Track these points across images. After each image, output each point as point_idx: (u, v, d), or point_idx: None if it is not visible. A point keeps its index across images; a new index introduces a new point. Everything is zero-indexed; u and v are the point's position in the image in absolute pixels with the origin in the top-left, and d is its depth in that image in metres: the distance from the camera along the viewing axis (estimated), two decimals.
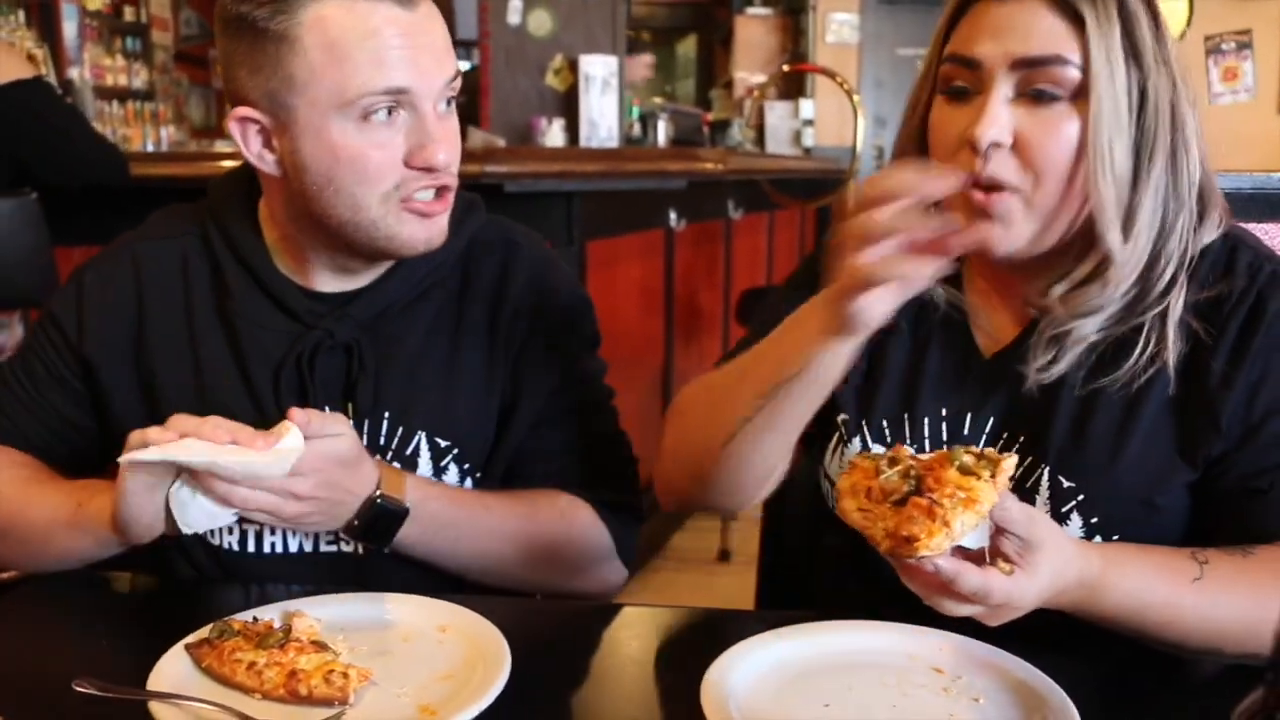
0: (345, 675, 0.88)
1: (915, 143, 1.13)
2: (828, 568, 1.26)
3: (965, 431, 1.13)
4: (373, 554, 1.19)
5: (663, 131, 4.31)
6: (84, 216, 2.57)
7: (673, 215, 3.70)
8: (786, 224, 5.84)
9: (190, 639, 0.94)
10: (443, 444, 1.23)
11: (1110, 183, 1.02)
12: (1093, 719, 0.84)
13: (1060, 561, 0.90)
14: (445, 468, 1.23)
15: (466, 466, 1.24)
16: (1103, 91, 1.00)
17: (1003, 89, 1.02)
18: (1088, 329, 1.06)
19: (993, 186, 1.03)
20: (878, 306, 0.91)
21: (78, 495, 1.12)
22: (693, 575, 3.48)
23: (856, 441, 1.16)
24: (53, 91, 2.80)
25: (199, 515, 1.02)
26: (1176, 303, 1.06)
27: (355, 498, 1.09)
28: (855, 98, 5.30)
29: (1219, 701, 0.94)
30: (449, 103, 1.15)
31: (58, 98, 2.82)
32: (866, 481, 0.87)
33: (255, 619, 0.97)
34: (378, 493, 1.10)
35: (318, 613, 1.01)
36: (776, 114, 6.95)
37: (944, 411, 1.14)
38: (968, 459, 0.85)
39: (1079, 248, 1.07)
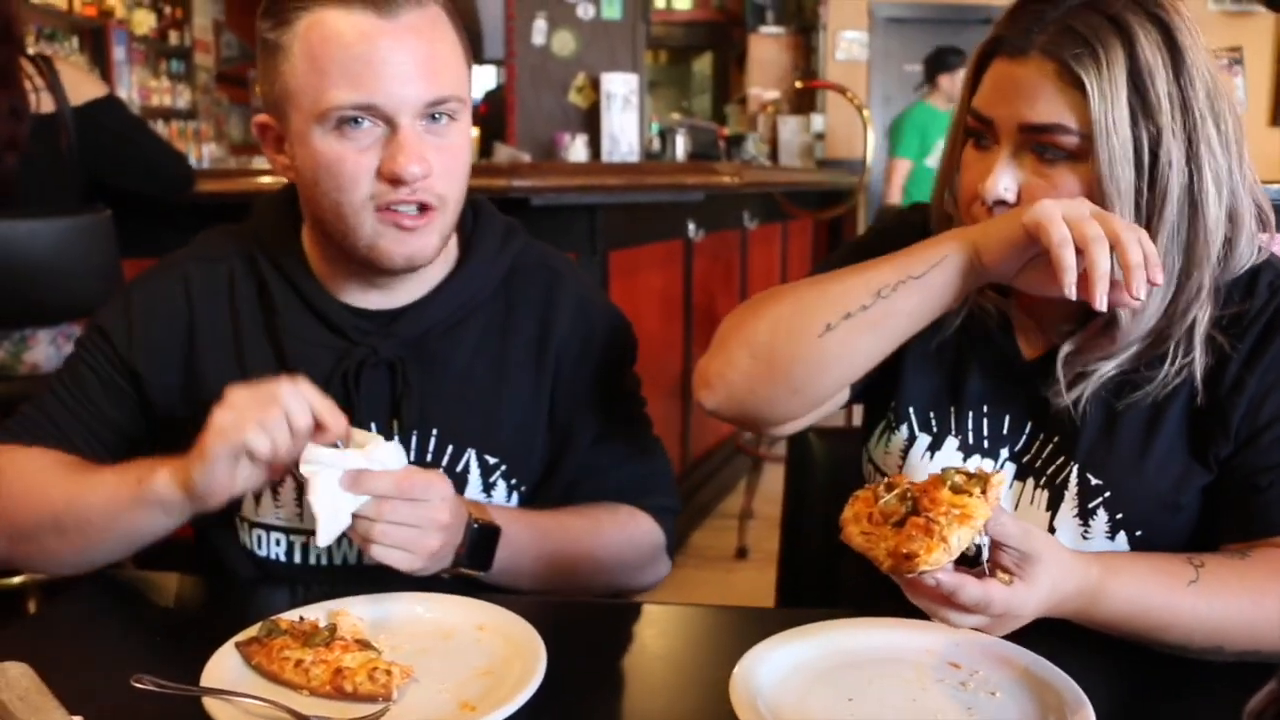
0: (388, 673, 0.92)
1: (950, 181, 1.17)
2: (849, 565, 1.29)
3: (1005, 430, 1.17)
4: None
5: (681, 146, 4.36)
6: (142, 231, 2.67)
7: (691, 226, 3.75)
8: (799, 234, 5.88)
9: (240, 637, 0.98)
10: (491, 461, 1.26)
11: None
12: (1105, 711, 0.87)
13: (1058, 572, 0.92)
14: (494, 484, 1.26)
15: (514, 482, 1.28)
16: (1101, 159, 1.01)
17: (1009, 149, 1.06)
18: (1106, 369, 1.09)
19: None
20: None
21: (136, 472, 1.12)
22: (711, 573, 3.51)
23: (904, 429, 1.20)
24: (125, 107, 2.88)
25: (338, 520, 1.05)
26: (1202, 319, 1.08)
27: (462, 524, 1.12)
28: (865, 112, 5.34)
29: (1230, 693, 0.96)
30: (438, 118, 1.13)
31: (130, 113, 2.89)
32: (868, 509, 0.91)
33: (301, 618, 1.01)
34: (472, 517, 1.13)
35: (360, 612, 1.05)
36: (789, 128, 7.00)
37: (985, 408, 1.18)
38: (959, 479, 0.88)
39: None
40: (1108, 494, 1.11)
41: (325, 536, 1.03)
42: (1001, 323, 1.19)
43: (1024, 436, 1.16)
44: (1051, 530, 1.13)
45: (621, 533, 1.30)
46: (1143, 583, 0.99)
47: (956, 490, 0.87)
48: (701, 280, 4.05)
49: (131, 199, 2.79)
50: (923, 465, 1.19)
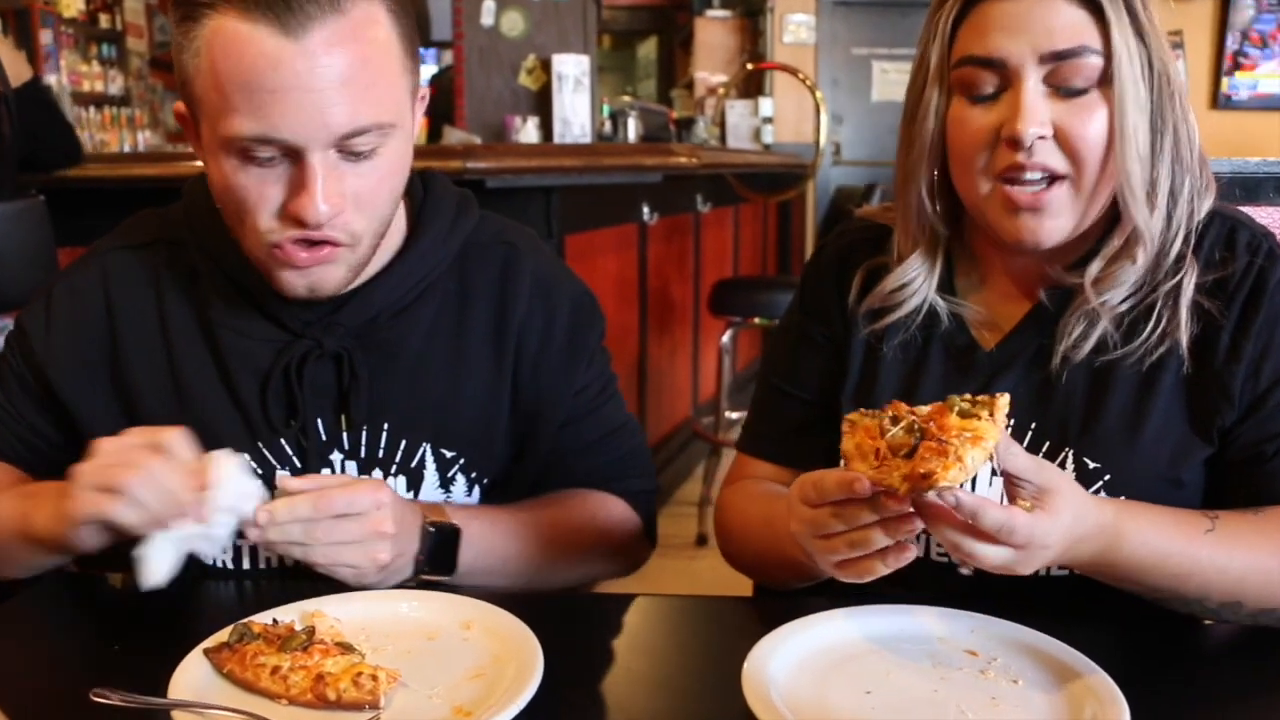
0: (374, 678, 0.85)
1: (932, 148, 1.12)
2: None
3: None
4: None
5: (633, 129, 4.31)
6: (82, 217, 2.59)
7: (646, 209, 3.70)
8: (751, 217, 5.87)
9: (208, 643, 0.91)
10: (448, 455, 1.19)
11: (1136, 160, 1.04)
12: (1129, 693, 0.83)
13: (1077, 505, 0.91)
14: (453, 478, 1.19)
15: (474, 475, 1.20)
16: (1125, 76, 1.02)
17: (1033, 82, 1.03)
18: (1115, 299, 1.08)
19: (1044, 179, 1.05)
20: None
21: (24, 506, 1.06)
22: (674, 560, 3.48)
23: None
24: (49, 88, 3.02)
25: (173, 566, 0.99)
26: (1189, 283, 1.07)
27: (415, 530, 1.06)
28: (818, 94, 5.33)
29: (1249, 672, 0.95)
30: (355, 151, 1.00)
31: (52, 92, 2.99)
32: (872, 442, 0.88)
33: (276, 621, 0.94)
34: (428, 520, 1.07)
35: (337, 612, 0.98)
36: (737, 112, 6.97)
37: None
38: (965, 405, 0.87)
39: (1104, 225, 1.10)
40: (1107, 476, 1.08)
41: (153, 579, 0.98)
42: (952, 322, 1.17)
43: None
44: None
45: (593, 522, 1.24)
46: (1159, 528, 0.99)
47: (964, 415, 0.86)
48: (656, 264, 4.01)
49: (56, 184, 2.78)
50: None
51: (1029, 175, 1.04)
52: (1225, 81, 7.41)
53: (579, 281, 1.30)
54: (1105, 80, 1.03)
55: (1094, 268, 1.09)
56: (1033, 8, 1.03)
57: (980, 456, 0.84)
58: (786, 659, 0.90)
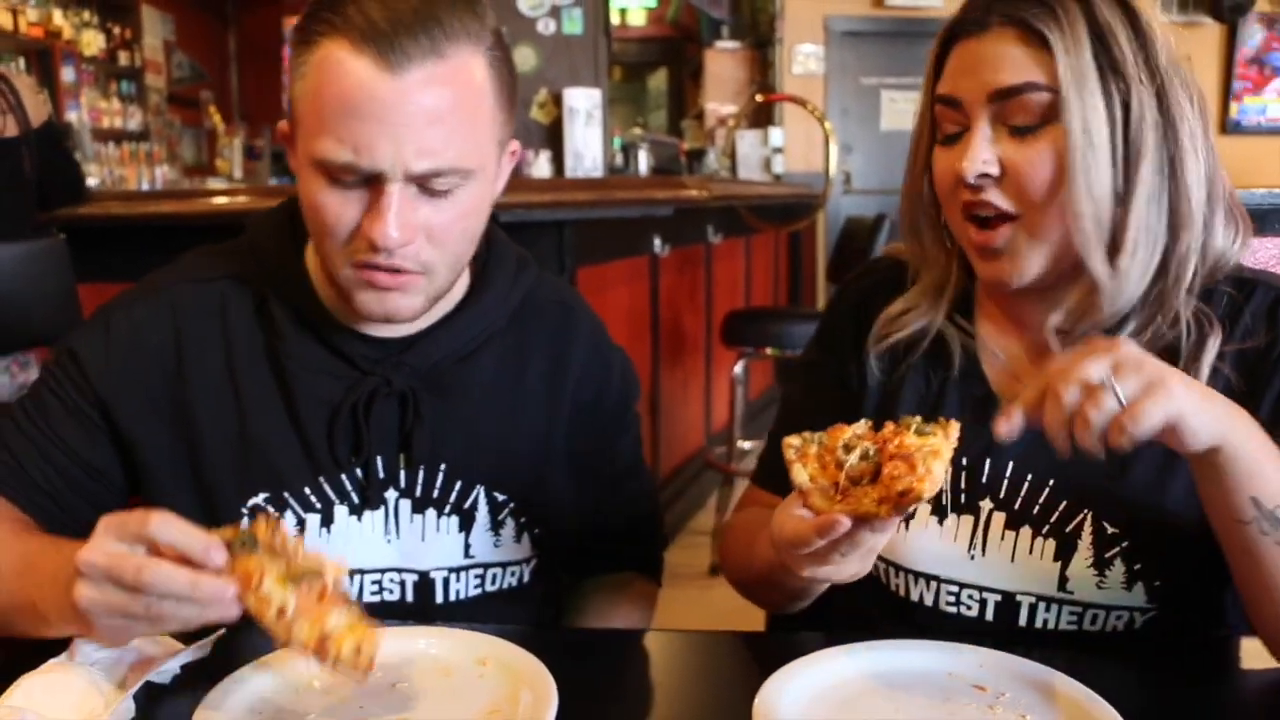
0: (371, 657, 0.86)
1: (921, 193, 1.14)
2: (840, 588, 1.26)
3: (984, 479, 1.12)
4: (419, 605, 1.18)
5: (644, 161, 4.35)
6: (105, 255, 2.72)
7: (657, 241, 3.73)
8: (762, 247, 5.89)
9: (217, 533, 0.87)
10: (500, 498, 1.21)
11: (1089, 202, 1.01)
12: None
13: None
14: (503, 522, 1.22)
15: (523, 521, 1.23)
16: (1073, 112, 1.00)
17: (982, 123, 1.04)
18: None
19: (991, 220, 1.05)
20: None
21: (37, 580, 0.98)
22: (686, 590, 3.47)
23: None
24: (59, 128, 3.14)
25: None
26: (1212, 345, 1.05)
27: None
28: (827, 125, 5.37)
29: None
30: (433, 191, 1.03)
31: (61, 132, 3.11)
32: (825, 474, 0.89)
33: (276, 520, 0.90)
34: None
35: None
36: (747, 142, 7.04)
37: (964, 460, 1.12)
38: (920, 425, 0.89)
39: (1079, 272, 1.06)
40: (1125, 543, 1.06)
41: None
42: (967, 363, 1.16)
43: (1007, 481, 1.11)
44: (1063, 581, 1.08)
45: (637, 615, 1.34)
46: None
47: (920, 434, 0.88)
48: (668, 295, 4.03)
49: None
50: (900, 537, 1.14)
51: (982, 214, 1.05)
52: (1234, 107, 7.44)
53: (621, 349, 1.36)
54: (1056, 117, 1.01)
55: (1054, 318, 1.08)
56: (988, 46, 1.03)
57: (942, 470, 0.85)
58: (797, 695, 0.91)
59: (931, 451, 0.85)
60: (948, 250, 1.17)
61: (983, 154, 1.03)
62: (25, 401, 1.18)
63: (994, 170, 1.03)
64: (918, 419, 0.89)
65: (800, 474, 0.90)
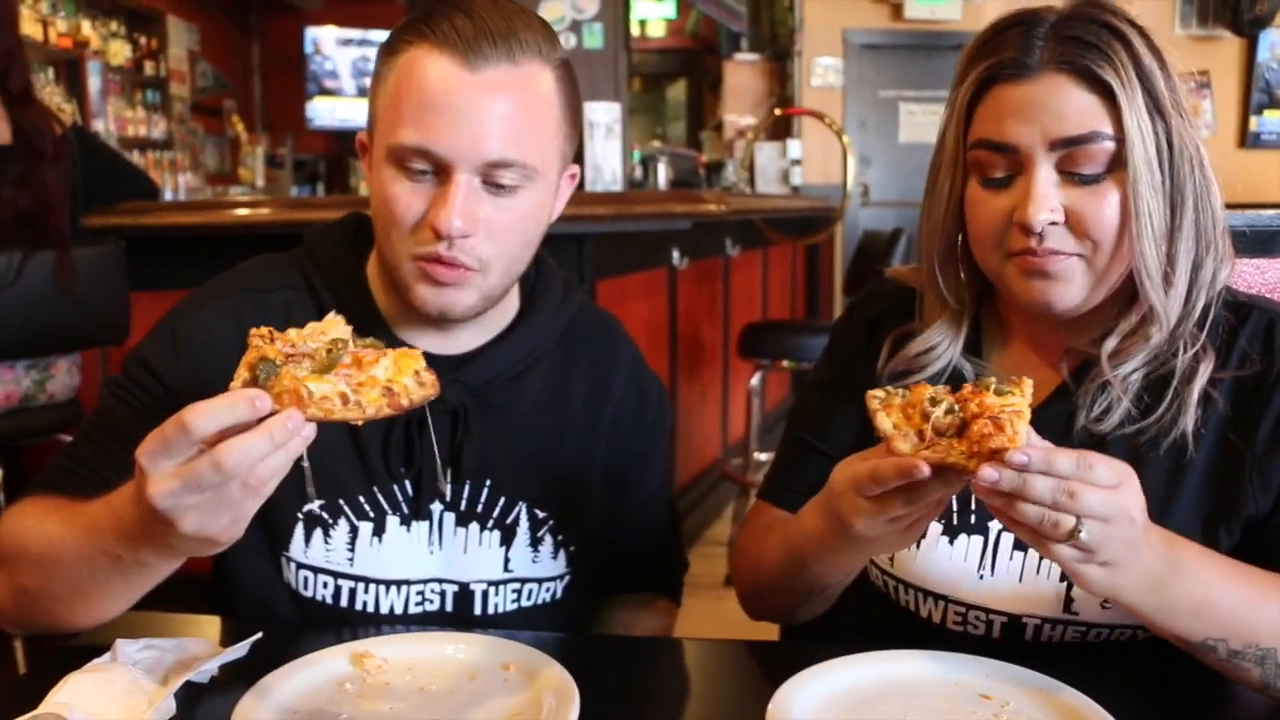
0: (426, 369, 0.88)
1: (951, 227, 1.14)
2: (852, 597, 1.29)
3: None
4: (459, 616, 1.22)
5: (663, 174, 4.39)
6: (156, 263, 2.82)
7: (676, 254, 3.77)
8: (780, 260, 5.92)
9: (235, 384, 0.85)
10: (540, 515, 1.26)
11: (1150, 242, 1.04)
12: None
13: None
14: (541, 538, 1.26)
15: (560, 538, 1.28)
16: (1139, 160, 1.02)
17: (1044, 170, 1.04)
18: (1125, 369, 1.09)
19: (1051, 253, 1.05)
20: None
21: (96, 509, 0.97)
22: (701, 600, 3.48)
23: None
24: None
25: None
26: (1204, 370, 1.08)
27: None
28: (845, 138, 5.40)
29: None
30: (501, 183, 1.10)
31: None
32: (908, 423, 0.91)
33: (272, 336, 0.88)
34: None
35: (384, 651, 1.03)
36: (765, 154, 7.06)
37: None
38: (999, 384, 0.91)
39: (1124, 298, 1.10)
40: None
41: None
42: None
43: None
44: (1069, 602, 1.11)
45: (658, 633, 1.40)
46: (1207, 553, 0.99)
47: (999, 393, 0.89)
48: (686, 308, 4.07)
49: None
50: (910, 555, 1.17)
51: (1038, 263, 1.05)
52: (1254, 120, 7.42)
53: (658, 376, 1.42)
54: (1119, 163, 1.03)
55: (1110, 343, 1.09)
56: (1045, 93, 1.03)
57: (1026, 430, 0.87)
58: (809, 702, 0.94)
59: (1015, 412, 0.87)
60: (970, 286, 1.18)
61: (1049, 201, 1.03)
62: (92, 417, 1.21)
63: (1059, 218, 1.04)
64: (994, 379, 0.91)
65: (885, 421, 0.91)
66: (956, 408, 0.89)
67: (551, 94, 1.13)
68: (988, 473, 0.85)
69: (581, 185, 4.14)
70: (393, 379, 0.86)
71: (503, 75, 1.08)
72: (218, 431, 0.81)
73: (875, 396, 0.93)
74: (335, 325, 0.91)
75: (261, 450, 0.81)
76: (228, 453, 0.80)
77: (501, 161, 1.08)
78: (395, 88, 1.10)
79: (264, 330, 0.87)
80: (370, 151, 1.16)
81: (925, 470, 0.87)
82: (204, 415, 0.81)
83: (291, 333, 0.88)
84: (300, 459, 0.86)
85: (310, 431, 0.83)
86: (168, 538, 0.87)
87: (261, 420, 0.82)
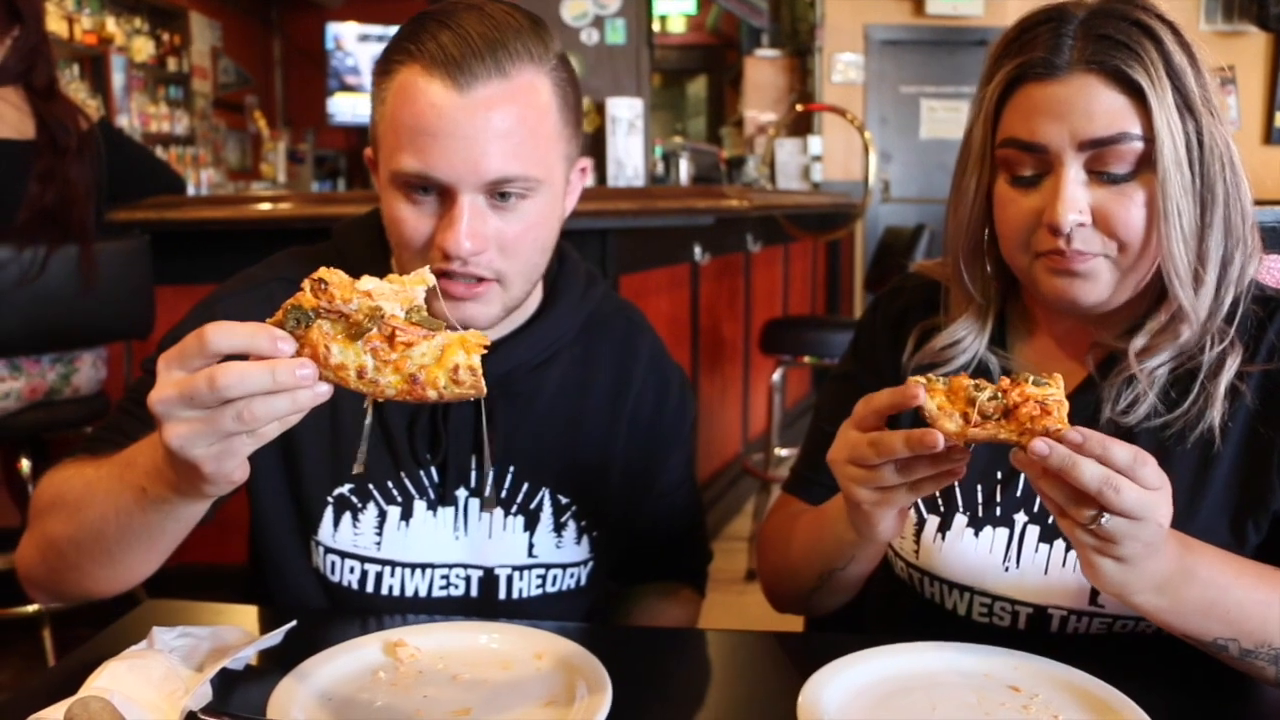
0: (471, 369, 0.82)
1: (977, 223, 1.14)
2: (878, 589, 1.30)
3: (1019, 493, 1.16)
4: (483, 601, 1.24)
5: (684, 170, 4.40)
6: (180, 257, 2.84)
7: (698, 250, 3.77)
8: (801, 256, 5.91)
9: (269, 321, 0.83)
10: (563, 500, 1.28)
11: (1179, 242, 1.03)
12: None
13: None
14: (564, 524, 1.28)
15: (583, 524, 1.29)
16: (1168, 160, 1.01)
17: (1073, 170, 1.03)
18: (1152, 364, 1.09)
19: (1079, 253, 1.05)
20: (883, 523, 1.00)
21: (132, 472, 0.95)
22: (723, 595, 3.51)
23: (912, 513, 1.20)
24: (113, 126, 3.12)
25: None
26: (1231, 364, 1.07)
27: None
28: (866, 134, 5.38)
29: None
30: (505, 196, 1.09)
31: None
32: (954, 407, 0.92)
33: (322, 284, 0.83)
34: None
35: (418, 641, 1.05)
36: (786, 150, 7.05)
37: (999, 475, 1.17)
38: (1037, 378, 0.91)
39: (1152, 294, 1.10)
40: None
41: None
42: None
43: (1038, 496, 1.11)
44: (1095, 594, 1.11)
45: (682, 622, 1.41)
46: (1220, 554, 0.99)
47: (1038, 384, 0.90)
48: (708, 303, 4.07)
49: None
50: (935, 547, 1.18)
51: (1065, 262, 1.05)
52: (1279, 116, 7.36)
53: (680, 365, 1.43)
54: (1148, 163, 1.02)
55: (1138, 341, 1.09)
56: (1074, 93, 1.02)
57: (1066, 418, 0.89)
58: (838, 693, 0.95)
59: (1057, 401, 0.89)
60: (996, 280, 1.19)
61: (1078, 203, 1.03)
62: (130, 394, 1.20)
63: (1086, 219, 1.04)
64: (1030, 375, 0.91)
65: (929, 402, 0.93)
66: (999, 395, 0.91)
67: (548, 100, 1.11)
68: (1039, 445, 0.87)
69: (604, 180, 4.15)
70: (424, 367, 0.82)
71: (494, 91, 1.07)
72: (233, 351, 0.81)
73: (918, 381, 0.94)
74: (421, 283, 0.86)
75: (259, 382, 0.79)
76: (224, 372, 0.79)
77: (503, 179, 1.08)
78: (391, 113, 1.09)
79: (318, 275, 0.83)
80: (376, 169, 1.16)
81: (937, 441, 0.90)
82: (223, 330, 0.81)
83: (340, 290, 0.83)
84: (364, 423, 0.92)
85: (325, 390, 0.82)
86: (170, 463, 0.85)
87: None
